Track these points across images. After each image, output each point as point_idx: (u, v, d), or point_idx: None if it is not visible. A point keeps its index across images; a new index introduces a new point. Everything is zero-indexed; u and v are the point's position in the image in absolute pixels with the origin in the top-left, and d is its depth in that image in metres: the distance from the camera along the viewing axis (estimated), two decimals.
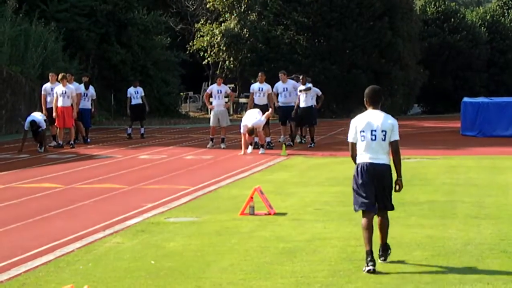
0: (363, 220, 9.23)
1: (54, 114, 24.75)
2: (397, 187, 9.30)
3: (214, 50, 46.98)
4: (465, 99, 32.44)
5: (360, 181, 9.24)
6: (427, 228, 11.36)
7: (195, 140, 28.72)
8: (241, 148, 22.97)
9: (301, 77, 25.64)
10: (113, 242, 10.69)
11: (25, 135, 23.91)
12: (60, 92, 24.76)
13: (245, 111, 40.48)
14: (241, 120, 23.59)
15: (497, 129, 29.51)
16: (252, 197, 12.68)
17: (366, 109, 9.49)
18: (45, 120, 23.98)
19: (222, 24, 47.16)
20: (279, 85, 25.72)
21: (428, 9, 57.41)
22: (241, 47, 46.38)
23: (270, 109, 23.85)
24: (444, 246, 10.17)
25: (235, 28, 46.25)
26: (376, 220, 9.33)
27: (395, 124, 9.27)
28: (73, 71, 31.52)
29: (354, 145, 9.33)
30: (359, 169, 9.26)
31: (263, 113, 23.08)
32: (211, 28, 47.19)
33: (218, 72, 46.16)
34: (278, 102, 25.34)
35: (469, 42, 56.20)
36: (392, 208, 9.40)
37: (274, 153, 22.99)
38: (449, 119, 43.07)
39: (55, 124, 24.99)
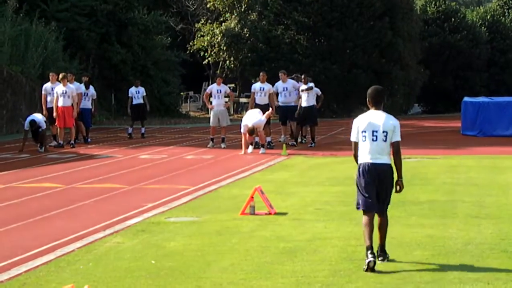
0: (364, 218, 9.27)
1: (54, 114, 24.76)
2: (398, 188, 9.33)
3: (215, 50, 46.99)
4: (466, 98, 32.44)
5: (362, 182, 9.28)
6: (427, 228, 11.36)
7: (196, 140, 28.72)
8: (241, 148, 22.98)
9: (302, 76, 25.64)
10: (113, 242, 10.69)
11: (26, 135, 23.91)
12: (60, 92, 24.76)
13: (246, 111, 40.57)
14: (241, 120, 23.59)
15: (498, 128, 29.51)
16: (252, 197, 12.67)
17: (367, 109, 9.51)
18: (45, 121, 23.99)
19: (223, 24, 47.17)
20: (279, 84, 25.73)
21: (429, 9, 57.42)
22: (242, 47, 46.39)
23: (271, 109, 23.85)
24: (444, 246, 10.16)
25: (236, 28, 46.26)
26: (376, 219, 9.35)
27: (397, 125, 9.30)
28: (73, 71, 31.52)
29: (357, 144, 9.37)
30: (361, 169, 9.30)
31: (264, 113, 23.09)
32: (212, 28, 47.20)
33: (218, 72, 46.16)
34: (278, 101, 25.36)
35: (470, 42, 56.22)
36: (387, 208, 9.44)
37: (274, 152, 22.99)
38: (449, 118, 43.09)
39: (56, 124, 24.99)
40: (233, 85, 51.05)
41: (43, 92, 25.72)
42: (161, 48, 46.25)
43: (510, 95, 45.57)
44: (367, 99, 9.45)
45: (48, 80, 26.09)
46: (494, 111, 30.08)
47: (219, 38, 46.39)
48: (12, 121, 31.53)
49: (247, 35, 46.20)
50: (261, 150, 22.88)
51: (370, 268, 8.88)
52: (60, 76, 25.19)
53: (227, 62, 47.26)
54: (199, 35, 47.91)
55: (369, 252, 8.93)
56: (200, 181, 16.94)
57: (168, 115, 44.23)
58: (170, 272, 8.93)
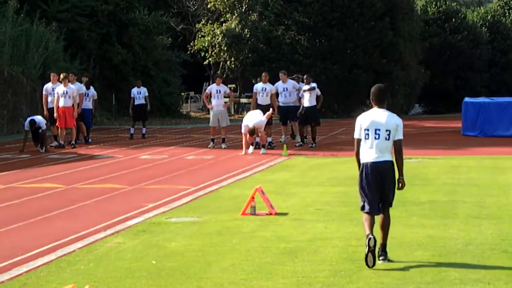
0: (365, 215, 9.38)
1: (55, 114, 24.77)
2: (399, 185, 9.39)
3: (215, 50, 47.00)
4: (466, 99, 32.44)
5: (365, 184, 9.34)
6: (428, 228, 11.36)
7: (196, 140, 28.72)
8: (242, 148, 22.99)
9: (305, 77, 25.65)
10: (114, 242, 10.69)
11: (26, 135, 23.92)
12: (61, 92, 24.76)
13: (246, 111, 40.58)
14: (242, 120, 23.60)
15: (498, 129, 29.51)
16: (253, 197, 12.67)
17: (368, 109, 9.55)
18: (46, 123, 24.01)
19: (223, 24, 47.18)
20: (279, 85, 25.74)
21: (429, 9, 57.43)
22: (242, 47, 46.40)
23: (271, 109, 23.84)
24: (445, 246, 10.16)
25: (236, 28, 46.27)
26: (377, 217, 9.40)
27: (400, 124, 9.36)
28: (74, 71, 31.53)
29: (359, 141, 9.41)
30: (364, 170, 9.35)
31: (265, 114, 23.11)
32: (212, 28, 47.21)
33: (219, 72, 46.17)
34: (278, 102, 25.37)
35: (470, 42, 56.23)
36: (391, 204, 9.46)
37: (275, 153, 22.99)
38: (450, 119, 43.08)
39: (57, 124, 25.00)
40: (233, 85, 51.07)
41: (44, 93, 25.72)
42: (162, 48, 46.27)
43: (511, 96, 45.57)
44: (371, 97, 9.51)
45: (49, 81, 26.09)
46: (494, 111, 30.08)
47: (220, 38, 46.40)
48: (13, 121, 31.54)
49: (248, 35, 46.21)
50: (262, 151, 22.89)
51: (371, 250, 8.95)
52: (61, 76, 25.20)
53: (228, 62, 47.27)
54: (199, 36, 47.92)
55: (369, 237, 8.99)
56: (201, 182, 16.94)
57: (169, 115, 44.25)
58: (171, 272, 8.94)
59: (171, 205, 13.94)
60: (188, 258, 9.64)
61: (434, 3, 57.48)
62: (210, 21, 48.63)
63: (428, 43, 54.50)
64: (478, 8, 66.89)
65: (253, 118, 22.62)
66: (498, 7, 62.16)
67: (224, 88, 25.37)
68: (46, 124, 24.07)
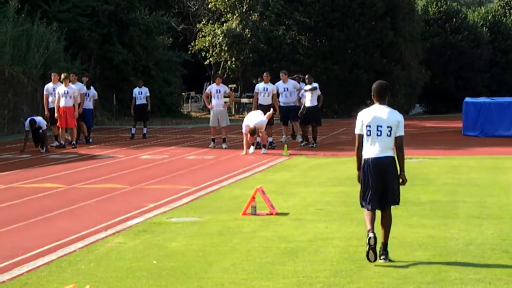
0: (366, 211, 9.45)
1: (56, 114, 24.78)
2: (400, 181, 9.46)
3: (216, 50, 46.99)
4: (467, 99, 32.44)
5: (366, 180, 9.40)
6: (428, 228, 11.36)
7: (197, 140, 28.72)
8: (243, 148, 22.99)
9: (306, 76, 25.64)
10: (115, 242, 10.69)
11: (27, 135, 23.92)
12: (62, 92, 24.77)
13: (247, 111, 40.57)
14: (243, 120, 23.60)
15: (499, 129, 29.51)
16: (254, 197, 12.67)
17: (371, 105, 9.61)
18: (46, 124, 24.03)
19: (224, 24, 47.18)
20: (280, 84, 25.76)
21: (430, 9, 57.43)
22: (243, 47, 46.40)
23: (272, 109, 23.82)
24: (445, 246, 10.16)
25: (237, 28, 46.26)
26: (379, 216, 9.45)
27: (401, 120, 9.42)
28: (75, 71, 31.54)
29: (360, 136, 9.45)
30: (365, 166, 9.41)
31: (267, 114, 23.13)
32: (213, 28, 47.20)
33: (220, 72, 46.17)
34: (278, 102, 25.37)
35: (471, 42, 56.23)
36: (397, 202, 9.51)
37: (276, 153, 23.00)
38: (451, 119, 43.08)
39: (57, 124, 25.01)
40: (234, 85, 51.05)
41: (44, 93, 25.72)
42: (163, 48, 46.27)
43: None
44: (372, 94, 9.56)
45: (49, 81, 26.10)
46: (495, 111, 30.08)
47: (221, 38, 46.40)
48: (14, 121, 31.55)
49: (249, 35, 46.21)
50: (263, 151, 22.89)
51: (372, 248, 9.04)
52: (62, 76, 25.20)
53: (229, 62, 47.27)
54: (200, 36, 47.91)
55: (369, 231, 9.10)
56: (202, 182, 16.94)
57: (170, 115, 44.26)
58: (171, 272, 8.94)
59: (171, 205, 13.94)
60: (189, 258, 9.65)
61: (434, 3, 57.48)
62: (210, 21, 48.62)
63: (428, 43, 54.50)
64: (479, 8, 66.90)
65: (254, 118, 22.62)
66: (499, 7, 62.15)
67: (224, 88, 25.33)
68: (46, 124, 24.08)
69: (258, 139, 23.42)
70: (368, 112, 9.47)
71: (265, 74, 25.57)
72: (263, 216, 12.53)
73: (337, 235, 10.91)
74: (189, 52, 48.34)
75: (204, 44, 47.35)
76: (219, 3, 47.48)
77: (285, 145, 23.50)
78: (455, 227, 11.49)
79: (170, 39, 47.72)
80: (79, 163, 21.05)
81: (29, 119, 23.79)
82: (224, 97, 25.93)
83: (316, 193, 15.18)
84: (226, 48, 46.52)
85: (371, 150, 9.38)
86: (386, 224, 9.40)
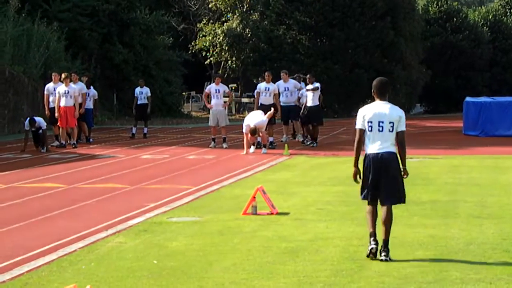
0: (368, 207, 9.54)
1: (56, 114, 24.78)
2: (404, 175, 9.56)
3: (217, 50, 46.99)
4: (468, 98, 32.44)
5: (368, 173, 9.49)
6: (429, 228, 11.36)
7: (197, 140, 28.73)
8: (243, 148, 22.99)
9: (308, 76, 25.62)
10: (115, 242, 10.69)
11: (27, 134, 23.92)
12: (62, 92, 24.77)
13: (248, 111, 40.56)
14: (243, 120, 23.60)
15: (500, 128, 29.51)
16: (254, 197, 12.67)
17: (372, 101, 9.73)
18: (46, 124, 24.04)
19: (225, 23, 47.18)
20: (281, 84, 25.76)
21: (431, 9, 57.43)
22: (244, 47, 46.40)
23: (273, 109, 23.79)
24: (446, 246, 10.16)
25: (238, 28, 46.26)
26: (380, 214, 9.49)
27: (402, 116, 9.53)
28: (76, 71, 31.54)
29: (361, 131, 9.51)
30: (366, 161, 9.50)
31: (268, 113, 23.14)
32: (214, 28, 47.20)
33: (220, 71, 46.18)
34: (279, 101, 25.36)
35: (472, 42, 56.23)
36: (403, 200, 9.59)
37: (276, 152, 23.00)
38: (451, 118, 43.07)
39: (58, 124, 25.01)
40: (235, 85, 51.04)
41: (45, 92, 25.72)
42: (163, 48, 46.27)
43: None
44: (372, 90, 9.64)
45: (50, 80, 26.11)
46: (496, 111, 30.09)
47: (221, 38, 46.39)
48: (14, 121, 31.54)
49: (249, 35, 46.21)
50: (263, 150, 22.89)
51: (373, 254, 9.16)
52: (63, 76, 25.21)
53: (229, 62, 47.26)
54: (201, 35, 47.91)
55: (372, 239, 9.27)
56: (202, 181, 16.94)
57: (170, 115, 44.27)
58: (172, 272, 8.93)
59: (172, 204, 13.94)
60: (189, 258, 9.64)
61: (435, 2, 57.48)
62: (211, 21, 48.63)
63: (429, 43, 54.49)
64: (480, 7, 66.90)
65: (255, 118, 22.62)
66: (500, 7, 62.14)
67: (223, 88, 25.28)
68: (46, 124, 24.08)
69: (259, 139, 23.41)
70: (370, 108, 9.54)
71: (266, 73, 25.56)
72: (264, 215, 12.53)
73: (338, 235, 10.91)
74: (189, 52, 48.34)
75: (204, 44, 47.35)
76: (220, 3, 47.48)
77: (286, 145, 23.50)
78: (456, 227, 11.49)
79: (171, 38, 47.73)
80: (80, 163, 21.05)
81: (28, 118, 23.81)
82: (224, 96, 25.91)
83: (316, 192, 15.18)
84: (226, 48, 46.52)
85: (372, 146, 9.46)
86: (387, 221, 9.42)
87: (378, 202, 9.58)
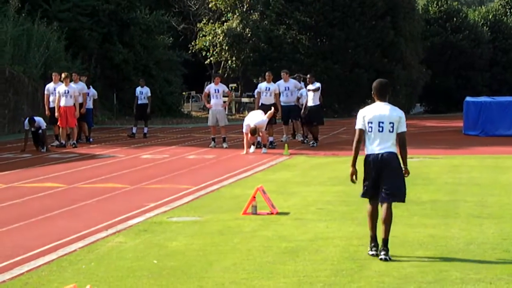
0: (368, 207, 9.65)
1: (56, 113, 24.78)
2: (405, 174, 9.63)
3: (217, 50, 46.98)
4: (468, 98, 32.43)
5: (368, 172, 9.59)
6: (429, 228, 11.36)
7: (197, 140, 28.73)
8: (243, 148, 22.99)
9: (308, 76, 25.60)
10: (115, 242, 10.69)
11: (27, 134, 23.92)
12: (62, 92, 24.77)
13: (248, 110, 40.55)
14: (243, 120, 23.60)
15: (500, 128, 29.51)
16: (254, 197, 12.67)
17: (372, 103, 9.80)
18: (46, 125, 24.04)
19: (225, 23, 47.16)
20: (281, 84, 25.76)
21: (431, 9, 57.41)
22: (244, 47, 46.39)
23: (273, 108, 23.78)
24: (446, 246, 10.16)
25: (238, 28, 46.24)
26: (381, 212, 9.54)
27: (402, 116, 9.62)
28: (76, 71, 31.53)
29: (361, 131, 9.60)
30: (367, 161, 9.58)
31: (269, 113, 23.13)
32: (214, 28, 47.18)
33: (220, 71, 46.17)
34: (279, 101, 25.35)
35: (472, 42, 56.21)
36: (403, 199, 9.63)
37: (276, 152, 22.99)
38: (451, 118, 43.06)
39: (58, 123, 25.01)
40: (235, 85, 51.03)
41: (45, 92, 25.73)
42: (163, 48, 46.26)
43: None
44: (372, 92, 9.74)
45: (50, 80, 26.11)
46: (496, 110, 30.08)
47: (221, 37, 46.38)
48: (14, 120, 31.54)
49: (249, 34, 46.19)
50: (263, 150, 22.89)
51: (373, 255, 9.34)
52: (63, 75, 25.21)
53: (229, 62, 47.25)
54: (201, 35, 47.89)
55: (372, 244, 9.47)
56: (202, 181, 16.94)
57: (170, 115, 44.26)
58: (172, 272, 8.93)
59: (172, 204, 13.94)
60: (190, 258, 9.64)
61: (435, 2, 57.46)
62: (211, 21, 48.61)
63: (429, 43, 54.47)
64: (480, 7, 66.89)
65: (255, 118, 22.62)
66: (500, 6, 62.11)
67: (222, 88, 25.23)
68: (46, 124, 24.08)
69: (259, 139, 23.41)
70: (370, 109, 9.62)
71: (267, 73, 25.56)
72: (264, 215, 12.53)
73: (338, 235, 10.91)
74: (189, 52, 48.33)
75: (204, 44, 47.33)
76: (220, 3, 47.47)
77: (286, 145, 23.50)
78: (456, 227, 11.49)
79: (171, 38, 47.72)
80: (80, 163, 21.05)
81: (28, 118, 23.81)
82: (224, 96, 25.90)
83: (316, 192, 15.18)
84: (226, 48, 46.51)
85: (373, 146, 9.53)
86: (386, 220, 9.46)
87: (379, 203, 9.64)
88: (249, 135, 22.45)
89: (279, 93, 25.27)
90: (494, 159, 21.57)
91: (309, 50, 46.33)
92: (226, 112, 26.13)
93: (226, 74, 47.36)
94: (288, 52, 46.12)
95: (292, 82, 26.17)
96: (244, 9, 46.98)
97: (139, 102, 29.05)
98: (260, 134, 22.92)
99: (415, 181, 15.50)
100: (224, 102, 26.16)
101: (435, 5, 57.37)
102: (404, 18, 48.28)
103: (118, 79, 42.86)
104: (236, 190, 15.61)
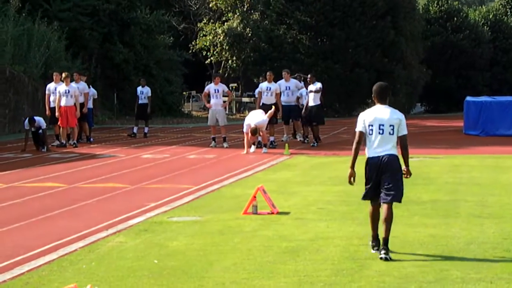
0: (370, 208, 9.79)
1: (57, 113, 24.78)
2: (407, 175, 9.75)
3: (217, 50, 46.98)
4: (468, 98, 32.42)
5: (369, 175, 9.68)
6: (430, 227, 11.36)
7: (198, 140, 28.73)
8: (243, 147, 22.99)
9: (309, 76, 25.59)
10: (116, 242, 10.69)
11: (27, 134, 23.92)
12: (63, 91, 24.78)
13: (248, 110, 40.53)
14: (244, 120, 23.60)
15: (500, 128, 29.50)
16: (255, 196, 12.67)
17: (372, 106, 9.88)
18: (47, 125, 24.04)
19: (225, 23, 47.16)
20: (282, 83, 25.75)
21: (431, 8, 57.41)
22: (244, 46, 46.38)
23: (273, 107, 23.78)
24: (447, 245, 10.16)
25: (238, 27, 46.24)
26: (381, 212, 9.61)
27: (402, 119, 9.71)
28: (77, 71, 31.52)
29: (362, 134, 9.69)
30: (368, 163, 9.67)
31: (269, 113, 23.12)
32: (214, 27, 47.19)
33: (221, 71, 46.17)
34: (280, 101, 25.34)
35: (472, 41, 56.20)
36: (400, 200, 9.68)
37: (277, 152, 22.99)
38: (452, 118, 43.05)
39: (58, 123, 25.01)
40: (235, 84, 51.03)
41: (46, 92, 25.73)
42: (164, 47, 46.25)
43: None
44: (373, 95, 9.86)
45: (50, 80, 26.11)
46: (496, 110, 30.08)
47: (222, 37, 46.38)
48: (15, 120, 31.53)
49: (250, 34, 46.19)
50: (263, 150, 22.89)
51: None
52: (63, 75, 25.21)
53: (230, 61, 47.25)
54: (201, 35, 47.89)
55: (374, 244, 9.63)
56: (203, 181, 16.94)
57: (171, 114, 44.26)
58: (172, 272, 8.93)
59: (172, 204, 13.94)
60: (190, 257, 9.64)
61: (435, 2, 57.46)
62: (211, 20, 48.61)
63: (430, 42, 54.47)
64: (480, 7, 66.86)
65: (255, 118, 22.61)
66: (500, 6, 62.10)
67: (222, 87, 25.20)
68: (46, 125, 24.08)
69: (260, 138, 23.41)
70: (370, 113, 9.74)
71: (268, 73, 25.56)
72: (264, 215, 12.53)
73: (338, 234, 10.91)
74: (190, 51, 48.32)
75: (205, 43, 47.33)
76: (220, 2, 47.48)
77: (286, 144, 23.49)
78: (457, 226, 11.49)
79: (171, 38, 47.70)
80: (80, 162, 21.05)
81: (28, 118, 23.81)
82: (223, 96, 25.89)
83: (317, 192, 15.18)
84: (227, 47, 46.51)
85: (373, 149, 9.62)
86: (387, 219, 9.53)
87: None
88: (250, 134, 22.45)
89: (280, 93, 25.27)
90: (494, 159, 21.56)
91: (310, 50, 46.32)
92: (227, 112, 26.09)
93: (226, 74, 47.36)
94: (288, 52, 46.11)
95: (293, 82, 26.16)
96: (245, 9, 46.99)
97: (140, 102, 29.07)
98: (261, 133, 22.91)
99: (415, 180, 15.49)
100: (224, 102, 26.14)
101: (435, 5, 57.37)
102: (404, 18, 48.28)
103: (118, 79, 42.85)
104: (236, 189, 15.61)
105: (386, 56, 47.19)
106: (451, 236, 10.74)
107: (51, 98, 25.34)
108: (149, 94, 29.18)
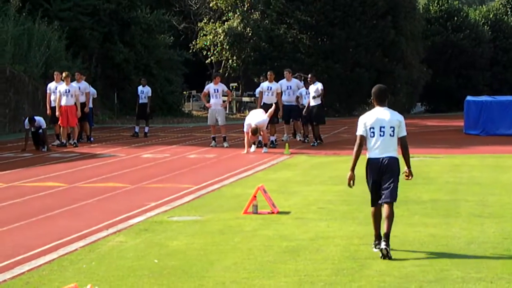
0: (372, 209, 9.85)
1: (57, 113, 24.78)
2: (407, 176, 9.82)
3: (217, 49, 46.98)
4: (468, 97, 32.42)
5: (370, 178, 9.76)
6: (430, 227, 11.36)
7: (198, 139, 28.72)
8: (244, 147, 22.98)
9: (309, 76, 25.57)
10: (116, 241, 10.69)
11: (27, 134, 23.93)
12: (63, 91, 24.78)
13: (249, 110, 40.52)
14: (244, 119, 23.59)
15: (500, 127, 29.50)
16: (255, 196, 12.67)
17: (369, 108, 9.85)
18: (47, 123, 24.04)
19: (225, 23, 47.15)
20: (283, 83, 25.74)
21: (431, 8, 57.40)
22: (244, 46, 46.38)
23: (274, 106, 23.74)
24: (447, 245, 10.16)
25: (238, 27, 46.23)
26: (383, 211, 9.71)
27: (402, 120, 9.81)
28: (78, 70, 31.52)
29: (363, 137, 9.76)
30: (369, 166, 9.74)
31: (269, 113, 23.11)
32: (214, 27, 47.18)
33: (221, 71, 46.16)
34: (281, 100, 25.33)
35: (472, 41, 56.18)
36: (395, 199, 9.72)
37: (277, 152, 22.99)
38: (452, 117, 43.04)
39: (59, 123, 25.01)
40: (235, 84, 51.01)
41: (47, 92, 25.74)
42: (164, 47, 46.24)
43: None
44: (372, 97, 9.94)
45: (51, 79, 26.12)
46: (496, 110, 30.08)
47: (222, 37, 46.37)
48: (15, 120, 31.54)
49: (250, 34, 46.18)
50: (264, 149, 22.88)
51: (384, 256, 9.37)
52: (64, 75, 25.21)
53: (230, 61, 47.25)
54: (201, 34, 47.88)
55: (376, 242, 9.71)
56: (203, 180, 16.94)
57: (171, 114, 44.26)
58: (173, 271, 8.93)
59: (173, 204, 13.94)
60: (190, 257, 9.64)
61: (436, 1, 57.44)
62: (212, 20, 48.60)
63: (430, 42, 54.45)
64: (480, 6, 66.83)
65: (256, 117, 22.61)
66: (500, 6, 62.09)
67: (222, 87, 25.19)
68: (46, 124, 24.08)
69: (260, 138, 23.40)
70: (370, 115, 9.81)
71: (269, 72, 25.55)
72: (265, 215, 12.53)
73: (339, 234, 10.91)
74: (190, 51, 48.30)
75: (205, 43, 47.33)
76: (221, 2, 47.47)
77: (287, 144, 23.49)
78: (457, 226, 11.49)
79: (172, 37, 47.69)
80: (80, 162, 21.06)
81: (28, 117, 23.81)
82: (223, 96, 25.88)
83: (317, 191, 15.18)
84: (227, 47, 46.50)
85: (374, 151, 9.71)
86: (388, 216, 9.62)
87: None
88: (250, 134, 22.44)
89: (281, 92, 25.26)
90: (494, 158, 21.56)
91: (310, 49, 46.30)
92: (227, 112, 26.08)
93: (226, 74, 47.34)
94: (288, 51, 46.10)
95: (295, 82, 26.15)
96: (245, 9, 46.97)
97: (141, 101, 29.07)
98: (261, 133, 22.91)
99: (415, 180, 15.42)
100: (224, 101, 26.13)
101: (436, 4, 57.35)
102: (405, 18, 48.26)
103: (118, 78, 42.85)
104: (237, 189, 15.61)
105: (386, 55, 47.18)
106: (452, 236, 10.74)
107: (52, 98, 25.34)
108: (150, 94, 29.18)
